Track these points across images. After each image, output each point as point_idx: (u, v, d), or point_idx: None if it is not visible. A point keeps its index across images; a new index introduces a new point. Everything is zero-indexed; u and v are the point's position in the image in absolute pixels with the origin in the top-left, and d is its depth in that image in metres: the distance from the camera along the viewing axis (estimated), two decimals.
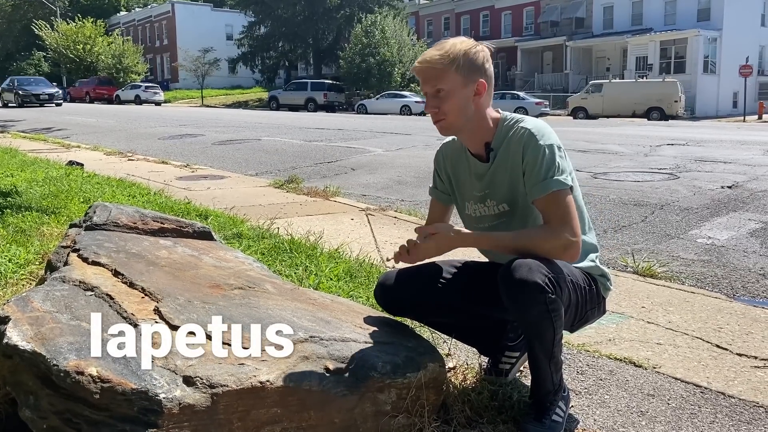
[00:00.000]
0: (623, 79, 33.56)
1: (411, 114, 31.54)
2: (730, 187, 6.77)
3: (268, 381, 1.58)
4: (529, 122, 1.90)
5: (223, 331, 1.73)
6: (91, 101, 42.48)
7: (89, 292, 1.91)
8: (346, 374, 1.69)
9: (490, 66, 1.90)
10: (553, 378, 1.85)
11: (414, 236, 1.94)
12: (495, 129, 1.94)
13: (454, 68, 1.83)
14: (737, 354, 2.57)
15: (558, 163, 1.82)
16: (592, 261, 1.99)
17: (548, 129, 1.89)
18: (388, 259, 2.00)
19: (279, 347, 1.70)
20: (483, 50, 1.88)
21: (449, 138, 2.11)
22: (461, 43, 1.86)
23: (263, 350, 1.68)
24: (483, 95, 1.89)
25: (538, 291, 1.70)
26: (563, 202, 1.80)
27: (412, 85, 38.46)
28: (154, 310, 1.82)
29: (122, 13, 64.85)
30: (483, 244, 1.95)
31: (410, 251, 1.89)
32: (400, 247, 1.94)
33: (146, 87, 43.21)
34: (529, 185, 1.84)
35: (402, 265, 1.98)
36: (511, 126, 1.91)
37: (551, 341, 1.79)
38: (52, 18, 51.43)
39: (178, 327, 1.72)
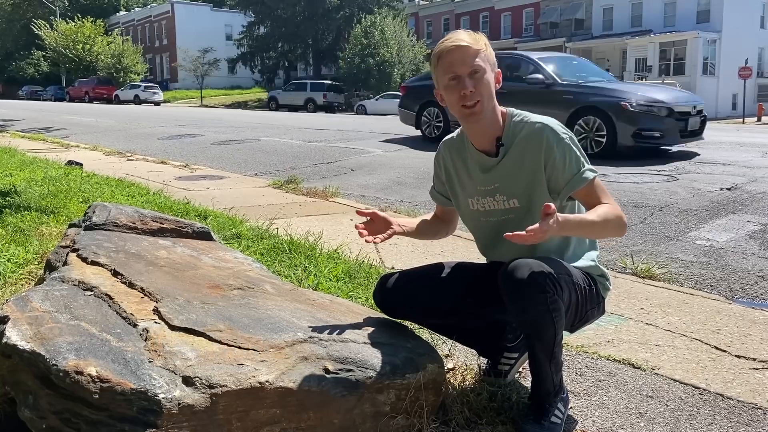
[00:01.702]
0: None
1: None
2: (729, 189, 6.77)
3: (267, 381, 1.58)
4: (540, 117, 1.93)
5: (222, 332, 1.73)
6: (90, 101, 42.53)
7: (88, 292, 1.91)
8: (345, 375, 1.69)
9: None
10: (553, 378, 1.86)
11: None
12: (503, 123, 1.95)
13: (483, 52, 1.87)
14: (736, 356, 2.57)
15: (583, 155, 1.90)
16: (592, 261, 1.99)
17: (558, 122, 1.93)
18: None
19: (278, 348, 1.70)
20: None
21: (448, 136, 2.13)
22: (476, 33, 1.92)
23: (262, 351, 1.68)
24: (498, 85, 1.91)
25: (540, 291, 1.71)
26: (600, 186, 1.90)
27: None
28: (154, 310, 1.82)
29: (122, 12, 64.89)
30: (574, 227, 1.77)
31: (534, 231, 1.58)
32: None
33: (145, 87, 43.25)
34: (564, 180, 1.87)
35: (400, 265, 1.98)
36: (521, 121, 1.93)
37: (552, 341, 1.79)
38: (52, 17, 51.47)
39: (178, 327, 1.73)
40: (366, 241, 1.88)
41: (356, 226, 1.93)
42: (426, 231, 2.21)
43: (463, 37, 1.87)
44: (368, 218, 1.98)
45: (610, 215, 1.83)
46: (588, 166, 1.89)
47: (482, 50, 1.86)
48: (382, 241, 1.90)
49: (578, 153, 1.89)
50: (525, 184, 1.93)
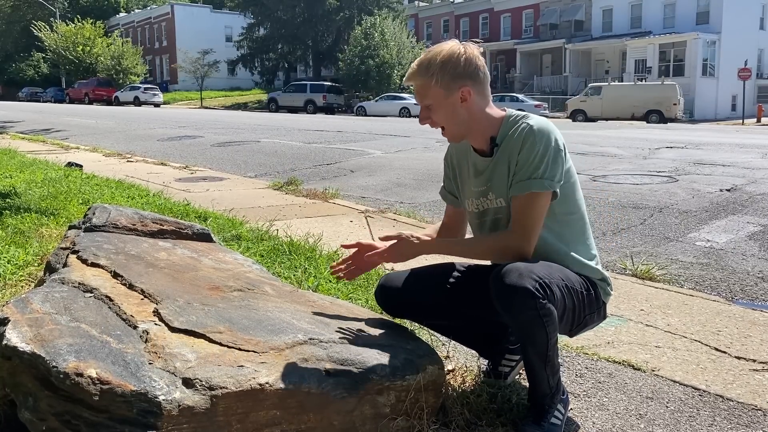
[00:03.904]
0: (622, 81, 33.60)
1: (410, 116, 31.55)
2: (728, 190, 6.78)
3: (267, 383, 1.58)
4: (534, 119, 1.87)
5: (222, 333, 1.73)
6: (90, 102, 42.59)
7: (88, 294, 1.91)
8: (345, 376, 1.69)
9: (476, 67, 1.85)
10: (549, 381, 1.84)
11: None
12: (500, 125, 1.92)
13: (433, 82, 1.83)
14: (736, 357, 2.57)
15: (548, 165, 1.81)
16: (593, 264, 1.97)
17: (552, 128, 1.86)
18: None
19: (278, 349, 1.70)
20: (466, 53, 1.84)
21: None
22: (441, 53, 1.84)
23: (262, 352, 1.68)
24: (470, 99, 1.86)
25: (529, 296, 1.68)
26: (535, 206, 1.82)
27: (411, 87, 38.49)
28: (154, 311, 1.82)
29: (121, 14, 64.92)
30: (443, 252, 2.02)
31: (362, 260, 2.04)
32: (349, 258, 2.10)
33: (145, 88, 43.29)
34: (513, 182, 1.85)
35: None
36: (516, 121, 1.89)
37: (545, 346, 1.76)
38: (52, 19, 51.47)
39: (178, 329, 1.72)
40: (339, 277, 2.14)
41: (331, 267, 2.14)
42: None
43: (414, 68, 1.87)
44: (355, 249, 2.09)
45: (480, 248, 1.96)
46: (541, 179, 1.80)
47: (432, 80, 1.82)
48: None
49: (545, 161, 1.80)
50: (507, 183, 1.90)
